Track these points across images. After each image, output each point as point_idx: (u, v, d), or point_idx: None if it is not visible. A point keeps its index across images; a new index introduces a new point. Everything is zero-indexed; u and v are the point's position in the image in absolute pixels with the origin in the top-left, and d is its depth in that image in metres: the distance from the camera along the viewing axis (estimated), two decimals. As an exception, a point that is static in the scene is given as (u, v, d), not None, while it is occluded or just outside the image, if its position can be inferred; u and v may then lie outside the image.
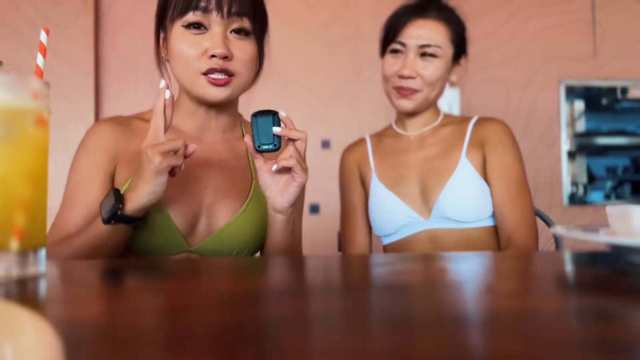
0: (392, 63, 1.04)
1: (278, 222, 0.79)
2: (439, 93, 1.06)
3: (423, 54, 1.02)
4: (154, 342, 0.25)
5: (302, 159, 0.74)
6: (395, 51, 1.04)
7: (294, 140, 0.74)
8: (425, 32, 1.02)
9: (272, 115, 0.75)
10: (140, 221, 0.72)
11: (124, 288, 0.42)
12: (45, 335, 0.21)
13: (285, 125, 0.75)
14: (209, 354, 0.23)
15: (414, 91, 1.03)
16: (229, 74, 0.79)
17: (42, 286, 0.41)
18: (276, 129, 0.74)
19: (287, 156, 0.73)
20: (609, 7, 2.94)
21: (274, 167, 0.74)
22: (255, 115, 0.76)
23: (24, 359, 0.19)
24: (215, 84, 0.79)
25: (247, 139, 0.75)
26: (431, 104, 1.08)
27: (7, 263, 0.42)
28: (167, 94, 0.71)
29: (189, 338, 0.25)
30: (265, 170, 0.76)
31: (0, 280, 0.41)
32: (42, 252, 0.46)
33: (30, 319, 0.22)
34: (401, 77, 1.02)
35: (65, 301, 0.36)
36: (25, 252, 0.43)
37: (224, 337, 0.26)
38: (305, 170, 0.74)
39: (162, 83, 0.72)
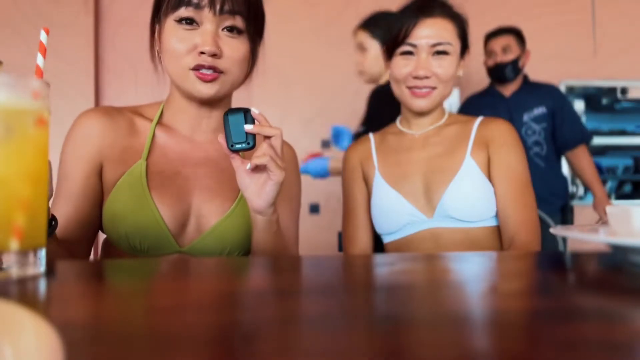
0: (403, 65, 1.04)
1: (259, 223, 0.77)
2: (451, 90, 1.07)
3: (435, 53, 1.02)
4: (154, 342, 0.25)
5: (277, 156, 0.72)
6: (405, 53, 1.04)
7: (268, 138, 0.73)
8: (434, 31, 1.02)
9: (244, 113, 0.73)
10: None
11: (124, 288, 0.42)
12: (45, 335, 0.21)
13: (259, 123, 0.74)
14: (209, 354, 0.23)
15: (430, 90, 1.03)
16: (218, 71, 0.78)
17: (42, 286, 0.41)
18: (248, 127, 0.73)
19: (260, 154, 0.71)
20: (609, 7, 2.94)
21: (248, 165, 0.72)
22: (227, 113, 0.74)
23: (24, 359, 0.19)
24: (204, 79, 0.78)
25: (221, 139, 0.73)
26: (443, 102, 1.09)
27: (7, 263, 0.42)
28: None
29: (189, 338, 0.25)
30: (242, 170, 0.74)
31: (0, 280, 0.41)
32: (42, 252, 0.46)
33: (30, 319, 0.22)
34: (416, 77, 1.02)
35: (65, 301, 0.36)
36: (25, 252, 0.44)
37: (223, 338, 0.26)
38: (280, 167, 0.72)
39: None
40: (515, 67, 2.17)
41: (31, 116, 0.44)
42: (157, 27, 0.83)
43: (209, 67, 0.77)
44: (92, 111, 0.84)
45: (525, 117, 2.16)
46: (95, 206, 0.82)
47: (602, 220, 2.25)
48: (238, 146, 0.73)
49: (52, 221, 0.67)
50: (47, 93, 0.47)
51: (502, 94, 2.23)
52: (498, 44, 2.18)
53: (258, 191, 0.74)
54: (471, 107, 2.27)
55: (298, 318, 0.30)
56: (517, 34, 2.20)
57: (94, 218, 0.82)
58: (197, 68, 0.78)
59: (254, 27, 0.82)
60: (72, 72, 2.55)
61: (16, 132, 0.43)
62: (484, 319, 0.30)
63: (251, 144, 0.73)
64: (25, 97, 0.44)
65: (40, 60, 0.53)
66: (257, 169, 0.73)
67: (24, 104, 0.44)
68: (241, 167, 0.74)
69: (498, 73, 2.19)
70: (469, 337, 0.26)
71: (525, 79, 2.26)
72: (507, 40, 2.18)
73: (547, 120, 2.16)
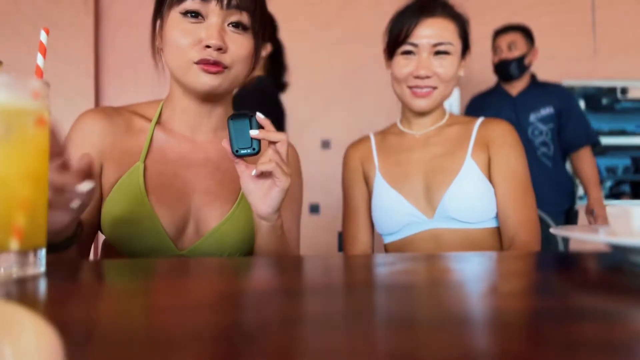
0: (404, 64, 1.04)
1: (263, 228, 0.76)
2: (452, 90, 1.07)
3: (436, 53, 1.02)
4: (154, 342, 0.25)
5: (282, 162, 0.71)
6: (406, 52, 1.04)
7: (274, 143, 0.71)
8: (435, 30, 1.02)
9: (249, 118, 0.72)
10: (62, 245, 0.65)
11: (124, 288, 0.42)
12: (45, 335, 0.21)
13: (264, 128, 0.72)
14: (209, 354, 0.23)
15: (431, 90, 1.03)
16: (222, 66, 0.77)
17: (42, 286, 0.41)
18: (253, 132, 0.71)
19: (266, 160, 0.70)
20: (609, 7, 2.94)
21: (253, 172, 0.71)
22: (231, 118, 0.73)
23: (24, 359, 0.19)
24: (208, 71, 0.76)
25: (225, 144, 0.72)
26: (443, 102, 1.09)
27: (7, 263, 0.42)
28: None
29: (189, 338, 0.25)
30: (247, 175, 0.73)
31: (0, 280, 0.41)
32: (42, 252, 0.46)
33: (30, 319, 0.22)
34: (417, 77, 1.02)
35: (65, 301, 0.36)
36: (25, 252, 0.44)
37: (223, 338, 0.26)
38: (286, 174, 0.71)
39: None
40: (520, 64, 2.14)
41: (31, 116, 0.44)
42: (159, 21, 0.82)
43: (214, 62, 0.76)
44: (92, 112, 0.83)
45: (532, 117, 2.14)
46: (95, 207, 0.82)
47: (597, 220, 2.22)
48: (243, 152, 0.72)
49: (78, 227, 0.66)
50: (47, 93, 0.47)
51: (509, 93, 2.21)
52: (504, 40, 2.16)
53: (263, 197, 0.73)
54: (476, 105, 2.26)
55: (298, 318, 0.30)
56: (525, 32, 2.18)
57: (93, 219, 0.82)
58: (201, 62, 0.76)
59: (258, 25, 0.81)
60: (72, 72, 2.55)
61: (16, 132, 0.43)
62: (484, 319, 0.30)
63: (256, 149, 0.72)
64: (25, 97, 0.44)
65: (40, 60, 0.53)
66: (262, 175, 0.72)
67: (24, 104, 0.44)
68: (246, 172, 0.73)
69: (503, 70, 2.17)
70: (469, 337, 0.26)
71: (534, 78, 2.23)
72: (514, 37, 2.15)
73: (554, 121, 2.13)
